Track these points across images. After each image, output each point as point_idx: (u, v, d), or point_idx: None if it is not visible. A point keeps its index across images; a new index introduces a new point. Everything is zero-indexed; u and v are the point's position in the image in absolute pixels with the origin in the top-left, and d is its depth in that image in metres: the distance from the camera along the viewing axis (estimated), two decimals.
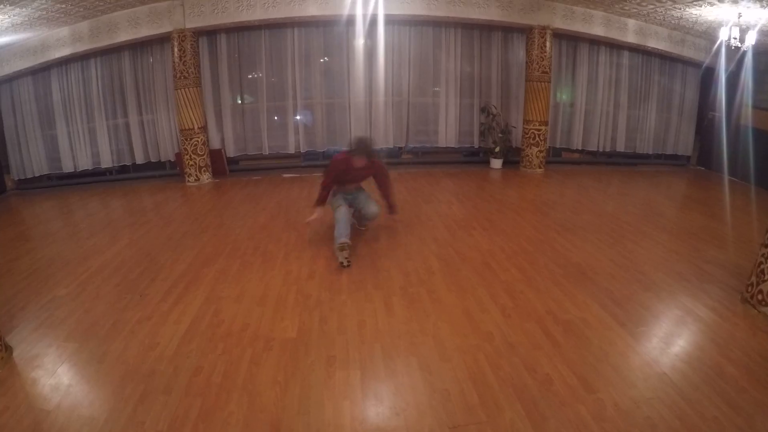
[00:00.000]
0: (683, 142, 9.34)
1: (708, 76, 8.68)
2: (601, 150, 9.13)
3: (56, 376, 2.75)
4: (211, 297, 3.65)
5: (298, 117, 8.40)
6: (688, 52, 8.39)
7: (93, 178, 8.43)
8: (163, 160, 8.48)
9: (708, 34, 7.80)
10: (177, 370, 2.76)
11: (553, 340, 2.98)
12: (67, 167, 8.23)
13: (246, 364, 2.79)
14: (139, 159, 8.35)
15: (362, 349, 2.90)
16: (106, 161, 8.27)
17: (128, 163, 8.42)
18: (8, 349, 3.03)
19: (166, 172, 8.53)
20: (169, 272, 4.15)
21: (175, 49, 7.19)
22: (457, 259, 4.26)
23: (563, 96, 8.93)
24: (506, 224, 5.28)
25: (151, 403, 2.49)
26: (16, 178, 8.24)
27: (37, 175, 8.27)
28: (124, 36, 7.17)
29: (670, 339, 3.02)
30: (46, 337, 3.19)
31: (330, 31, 7.97)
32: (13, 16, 5.71)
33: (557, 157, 9.23)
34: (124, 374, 2.74)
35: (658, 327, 3.17)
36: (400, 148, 8.85)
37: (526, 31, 7.92)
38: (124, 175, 8.57)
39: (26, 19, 6.03)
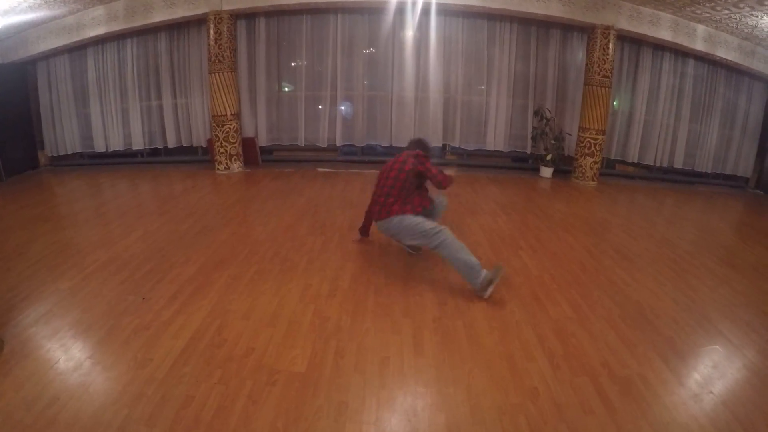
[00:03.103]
0: (744, 162, 8.50)
1: None
2: (657, 165, 8.38)
3: (41, 384, 2.45)
4: (216, 309, 3.23)
5: (341, 108, 8.00)
6: (757, 65, 7.56)
7: (124, 159, 8.29)
8: (195, 145, 8.24)
9: None
10: (165, 397, 2.36)
11: (607, 403, 2.42)
12: (99, 147, 8.12)
13: (243, 400, 2.35)
14: (171, 143, 8.15)
15: (381, 396, 2.42)
16: (138, 143, 8.10)
17: (160, 146, 8.24)
18: None
19: (197, 157, 8.31)
20: (178, 273, 3.78)
21: (211, 32, 6.87)
22: (502, 287, 3.68)
23: (621, 104, 8.20)
24: (557, 245, 4.69)
25: None
26: (50, 155, 8.16)
27: (70, 152, 8.20)
28: (159, 16, 6.93)
29: (738, 410, 2.43)
30: (39, 336, 2.89)
31: (376, 19, 7.51)
32: None
33: (610, 170, 8.53)
34: (109, 392, 2.39)
35: (727, 392, 2.58)
36: (444, 147, 8.32)
37: (587, 30, 7.26)
38: (155, 158, 8.39)
39: None
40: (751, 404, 2.48)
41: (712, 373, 2.75)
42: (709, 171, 8.51)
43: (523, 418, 2.31)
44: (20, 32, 7.23)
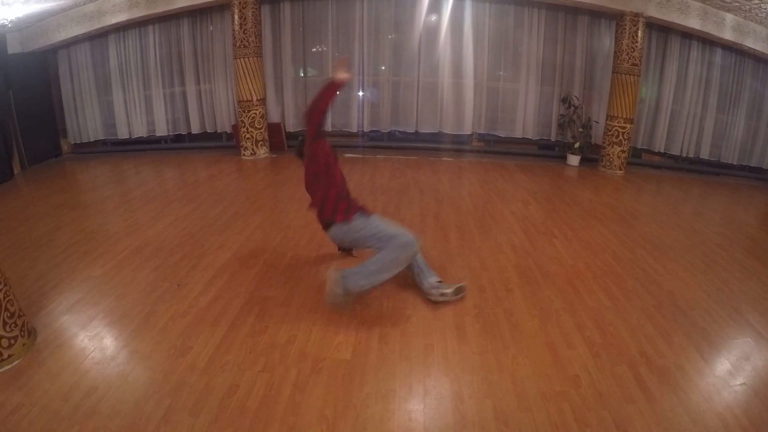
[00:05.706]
0: None
1: None
2: (684, 155, 8.18)
3: (77, 374, 2.44)
4: (255, 296, 3.23)
5: (367, 93, 7.95)
6: None
7: (147, 146, 8.29)
8: (219, 131, 8.24)
9: None
10: (209, 385, 2.36)
11: (646, 392, 2.41)
12: (122, 134, 8.13)
13: (289, 388, 2.35)
14: (195, 129, 8.15)
15: (428, 383, 2.41)
16: (162, 129, 8.11)
17: (183, 132, 8.24)
18: (32, 333, 2.75)
19: (221, 143, 8.30)
20: (213, 260, 3.78)
21: (236, 17, 6.80)
22: (539, 275, 3.67)
23: (648, 92, 8.01)
24: (589, 234, 4.62)
25: (174, 425, 2.11)
26: (73, 142, 8.20)
27: (92, 140, 8.22)
28: (181, 2, 6.89)
29: None
30: (74, 325, 2.89)
31: (402, 3, 7.40)
32: None
33: (637, 159, 8.35)
34: (149, 382, 2.38)
35: (759, 384, 2.56)
36: (470, 135, 8.24)
37: (616, 17, 7.08)
38: (179, 144, 8.39)
39: None
40: None
41: (744, 364, 2.73)
42: (734, 162, 8.26)
43: (568, 405, 2.30)
44: (40, 21, 7.19)
